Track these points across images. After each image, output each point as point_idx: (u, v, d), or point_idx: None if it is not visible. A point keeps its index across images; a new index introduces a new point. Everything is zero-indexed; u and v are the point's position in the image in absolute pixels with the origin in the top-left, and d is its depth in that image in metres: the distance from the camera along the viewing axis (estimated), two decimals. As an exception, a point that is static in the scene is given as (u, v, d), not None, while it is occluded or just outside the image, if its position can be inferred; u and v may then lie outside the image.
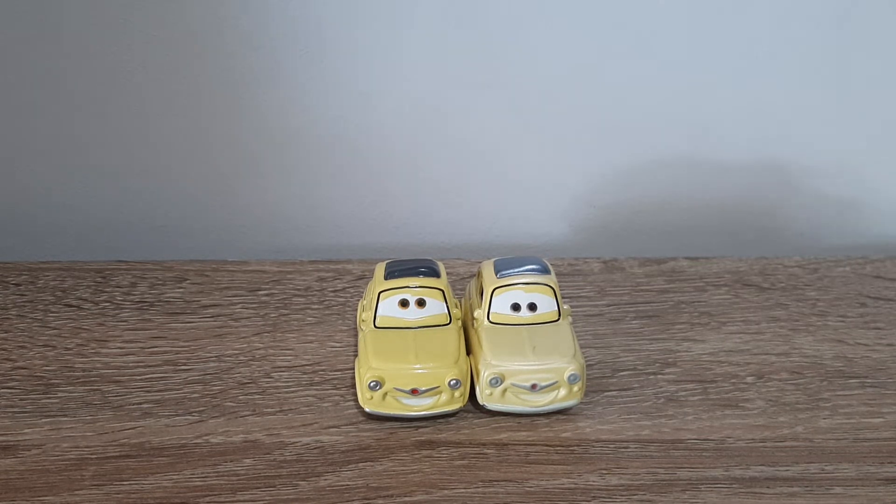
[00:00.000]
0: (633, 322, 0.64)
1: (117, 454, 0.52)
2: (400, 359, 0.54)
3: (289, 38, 0.68)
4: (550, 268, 0.58)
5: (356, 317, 0.61)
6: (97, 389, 0.57)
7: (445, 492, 0.51)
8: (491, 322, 0.56)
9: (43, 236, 0.73)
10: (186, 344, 0.61)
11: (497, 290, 0.57)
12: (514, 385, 0.54)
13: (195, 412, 0.55)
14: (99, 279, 0.66)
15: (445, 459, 0.53)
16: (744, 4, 0.68)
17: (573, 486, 0.51)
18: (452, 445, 0.54)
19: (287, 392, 0.57)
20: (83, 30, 0.67)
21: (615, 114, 0.71)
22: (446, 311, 0.56)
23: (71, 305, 0.64)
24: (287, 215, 0.74)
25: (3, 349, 0.60)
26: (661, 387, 0.58)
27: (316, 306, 0.64)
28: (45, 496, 0.50)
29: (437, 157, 0.72)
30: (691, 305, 0.65)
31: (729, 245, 0.75)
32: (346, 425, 0.55)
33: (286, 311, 0.64)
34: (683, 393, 0.58)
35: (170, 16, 0.67)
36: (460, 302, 0.60)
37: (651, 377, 0.59)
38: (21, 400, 0.56)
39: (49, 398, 0.56)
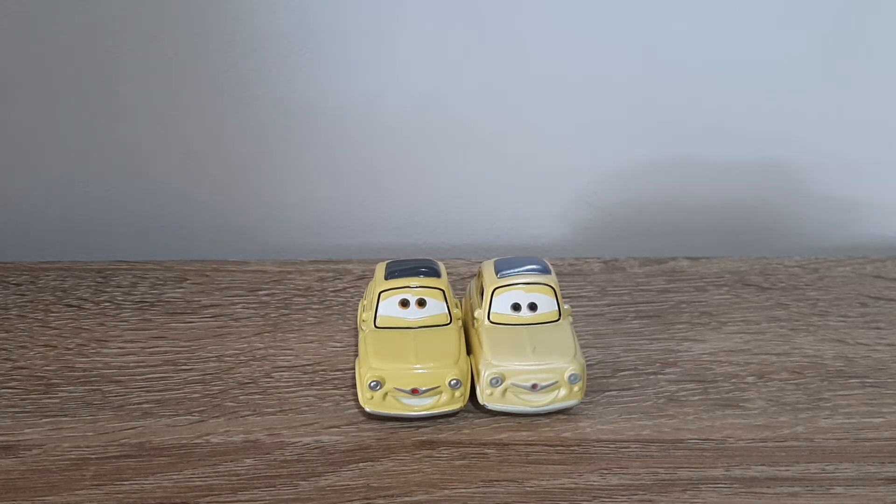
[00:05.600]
0: (634, 322, 0.64)
1: (118, 454, 0.52)
2: (400, 359, 0.54)
3: (288, 38, 0.68)
4: (551, 268, 0.58)
5: (356, 317, 0.61)
6: (98, 389, 0.57)
7: (446, 492, 0.51)
8: (491, 322, 0.56)
9: (43, 236, 0.73)
10: (187, 344, 0.61)
11: (497, 290, 0.57)
12: (514, 385, 0.54)
13: (195, 412, 0.55)
14: (99, 279, 0.66)
15: (446, 459, 0.53)
16: (744, 4, 0.68)
17: (574, 485, 0.51)
18: (453, 445, 0.54)
19: (287, 392, 0.57)
20: (84, 30, 0.67)
21: (615, 114, 0.71)
22: (447, 311, 0.56)
23: (71, 305, 0.64)
24: (287, 215, 0.74)
25: (4, 349, 0.60)
26: (661, 387, 0.58)
27: (316, 306, 0.64)
28: (46, 496, 0.50)
29: (438, 157, 0.72)
30: (692, 305, 0.65)
31: (729, 245, 0.75)
32: (347, 425, 0.55)
33: (287, 311, 0.64)
34: (684, 393, 0.58)
35: (171, 16, 0.67)
36: (461, 302, 0.60)
37: (651, 377, 0.59)
38: (22, 400, 0.56)
39: (49, 398, 0.56)
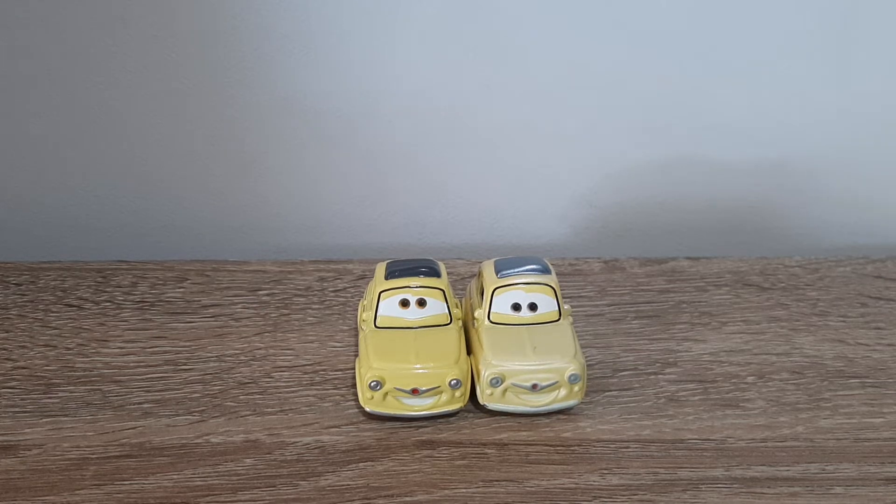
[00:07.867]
0: (634, 322, 0.64)
1: (118, 454, 0.52)
2: (400, 359, 0.54)
3: (289, 38, 0.68)
4: (551, 268, 0.58)
5: (357, 317, 0.61)
6: (98, 389, 0.57)
7: (446, 492, 0.51)
8: (491, 322, 0.56)
9: (43, 236, 0.73)
10: (187, 344, 0.61)
11: (498, 290, 0.57)
12: (514, 385, 0.54)
13: (196, 412, 0.55)
14: (100, 279, 0.66)
15: (446, 459, 0.53)
16: (745, 4, 0.68)
17: (574, 486, 0.51)
18: (453, 445, 0.54)
19: (288, 392, 0.57)
20: (84, 30, 0.67)
21: (615, 113, 0.71)
22: (447, 311, 0.56)
23: (72, 305, 0.64)
24: (287, 215, 0.74)
25: (4, 349, 0.60)
26: (661, 387, 0.58)
27: (316, 306, 0.64)
28: (46, 496, 0.50)
29: (438, 157, 0.72)
30: (692, 305, 0.65)
31: (729, 245, 0.75)
32: (347, 425, 0.55)
33: (287, 311, 0.64)
34: (684, 393, 0.58)
35: (170, 16, 0.67)
36: (461, 302, 0.60)
37: (652, 377, 0.59)
38: (22, 400, 0.56)
39: (50, 398, 0.56)
